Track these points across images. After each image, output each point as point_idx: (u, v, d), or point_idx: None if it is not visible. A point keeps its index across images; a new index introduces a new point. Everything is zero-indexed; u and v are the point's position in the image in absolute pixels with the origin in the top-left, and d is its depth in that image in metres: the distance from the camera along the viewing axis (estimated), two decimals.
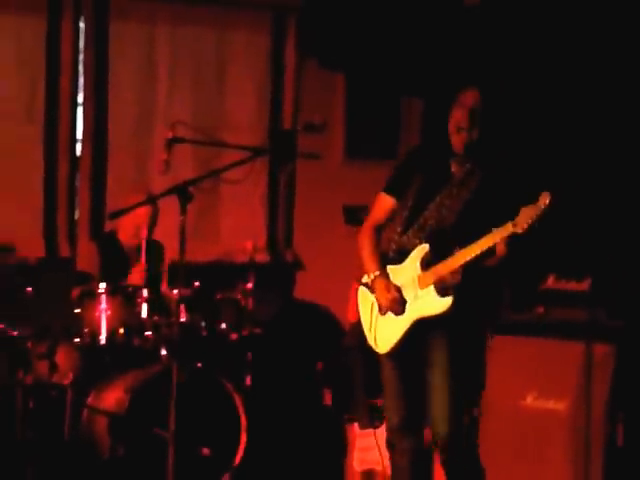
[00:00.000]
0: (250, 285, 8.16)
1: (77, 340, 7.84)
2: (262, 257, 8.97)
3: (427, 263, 6.13)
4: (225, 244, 9.20)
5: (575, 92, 8.58)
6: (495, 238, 5.90)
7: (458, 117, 6.07)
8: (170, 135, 7.47)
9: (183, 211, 6.49)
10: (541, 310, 7.70)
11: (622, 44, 8.31)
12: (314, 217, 9.42)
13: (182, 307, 7.38)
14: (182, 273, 6.82)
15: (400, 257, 6.23)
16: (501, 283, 6.36)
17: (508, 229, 5.83)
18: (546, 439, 7.44)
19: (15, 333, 8.06)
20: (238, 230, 9.28)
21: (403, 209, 6.32)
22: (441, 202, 6.19)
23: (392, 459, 6.53)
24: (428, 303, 6.14)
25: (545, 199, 5.79)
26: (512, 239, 5.85)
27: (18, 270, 8.52)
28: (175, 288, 7.44)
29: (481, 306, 6.24)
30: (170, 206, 6.76)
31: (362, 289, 6.40)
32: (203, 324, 7.95)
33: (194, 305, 7.84)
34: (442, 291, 6.09)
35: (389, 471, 6.77)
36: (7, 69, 9.11)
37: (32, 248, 8.97)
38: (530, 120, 8.56)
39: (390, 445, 6.55)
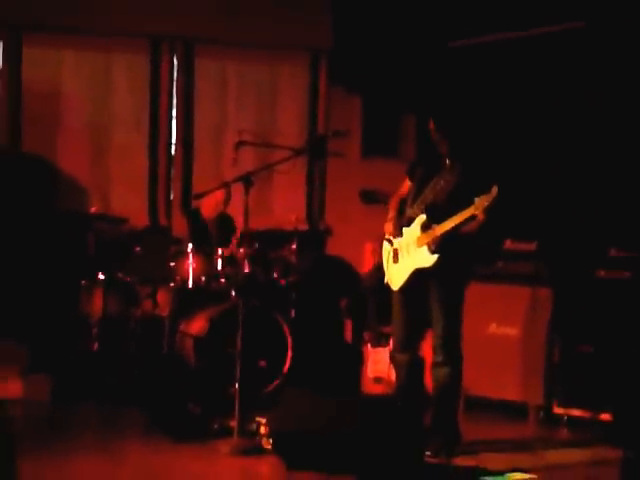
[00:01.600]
0: (294, 246, 8.11)
1: (172, 285, 7.83)
2: (302, 226, 8.92)
3: (424, 228, 6.17)
4: (276, 217, 9.15)
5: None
6: (467, 214, 5.99)
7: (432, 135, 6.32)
8: (238, 139, 7.43)
9: (246, 193, 6.46)
10: (501, 264, 7.65)
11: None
12: (340, 197, 9.38)
13: (246, 262, 7.35)
14: (246, 238, 6.79)
15: (409, 223, 6.30)
16: (477, 244, 6.32)
17: (471, 210, 5.95)
18: (504, 357, 7.39)
19: (128, 279, 8.06)
20: (285, 207, 9.24)
21: (413, 189, 6.40)
22: (435, 184, 6.25)
23: (394, 368, 6.53)
24: (422, 258, 6.20)
25: (494, 190, 5.90)
26: (489, 212, 5.94)
27: (130, 235, 8.49)
28: (241, 248, 7.41)
29: (461, 260, 6.23)
30: (238, 190, 6.72)
31: (385, 243, 6.48)
32: (261, 274, 7.91)
33: (254, 260, 7.80)
34: (432, 249, 6.14)
35: (393, 377, 6.79)
36: (121, 93, 9.07)
37: (140, 219, 8.95)
38: (492, 128, 8.48)
39: (392, 358, 6.56)
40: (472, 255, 6.39)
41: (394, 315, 6.44)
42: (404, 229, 6.33)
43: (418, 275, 6.24)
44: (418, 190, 6.35)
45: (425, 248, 6.17)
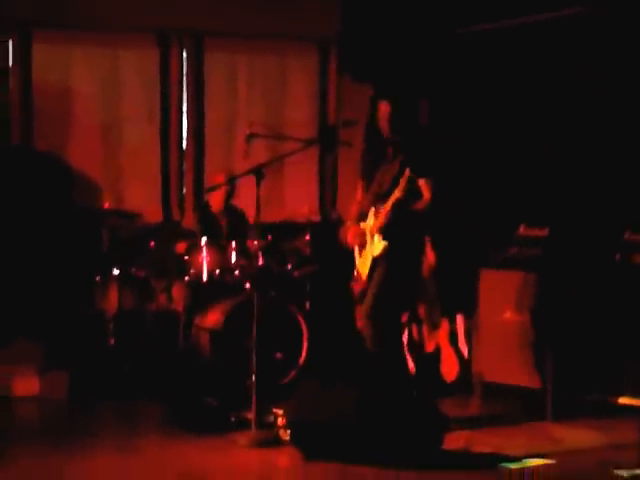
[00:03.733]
0: (307, 237, 8.13)
1: (186, 278, 7.85)
2: (315, 217, 8.92)
3: (375, 217, 6.60)
4: (288, 209, 9.16)
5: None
6: (397, 194, 6.37)
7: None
8: (248, 132, 7.45)
9: (258, 185, 6.47)
10: (514, 250, 7.62)
11: None
12: (352, 187, 9.33)
13: (260, 254, 7.36)
14: (259, 230, 6.80)
15: (364, 217, 6.71)
16: (429, 221, 6.65)
17: (396, 193, 6.38)
18: (519, 343, 7.37)
19: (143, 274, 8.08)
20: (297, 198, 9.23)
21: (364, 184, 6.80)
22: (381, 175, 6.60)
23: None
24: (376, 245, 6.57)
25: (407, 171, 6.30)
26: (434, 190, 6.44)
27: (144, 230, 8.52)
28: (254, 240, 7.43)
29: (412, 241, 6.42)
30: (249, 183, 6.73)
31: (355, 249, 6.88)
32: (275, 266, 7.92)
33: (268, 252, 7.81)
34: (383, 235, 6.51)
35: (411, 366, 7.01)
36: (132, 88, 9.07)
37: (153, 215, 8.96)
38: (501, 114, 8.47)
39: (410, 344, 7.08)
40: (421, 236, 6.73)
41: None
42: (363, 224, 6.67)
43: (376, 264, 6.59)
44: (368, 183, 6.67)
45: (377, 236, 6.51)
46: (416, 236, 6.60)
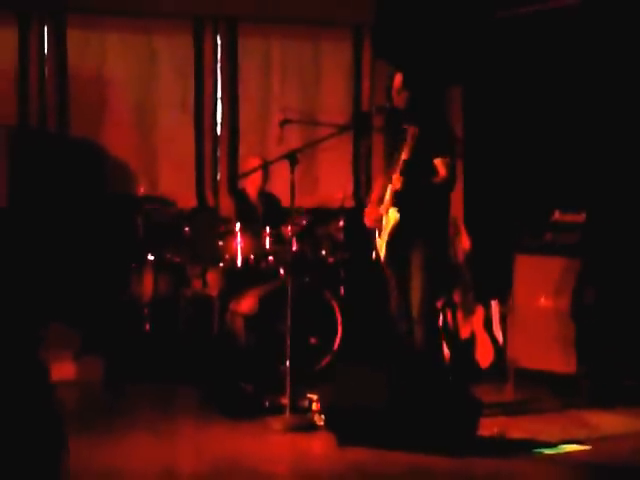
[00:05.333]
0: (341, 223, 8.13)
1: (221, 264, 7.87)
2: (349, 203, 8.92)
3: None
4: (322, 194, 9.16)
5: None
6: (403, 155, 6.37)
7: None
8: (282, 117, 7.44)
9: (292, 171, 6.47)
10: (549, 235, 7.59)
11: None
12: None
13: (294, 240, 7.36)
14: (293, 215, 6.81)
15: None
16: (448, 197, 6.59)
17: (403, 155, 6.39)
18: (554, 329, 7.35)
19: (177, 260, 8.12)
20: (331, 184, 9.22)
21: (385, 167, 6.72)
22: (399, 156, 6.46)
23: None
24: (390, 217, 6.49)
25: (413, 131, 6.31)
26: (451, 165, 6.40)
27: (178, 216, 8.55)
28: (289, 226, 7.44)
29: (432, 216, 6.40)
30: (283, 168, 6.73)
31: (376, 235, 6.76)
32: (309, 251, 7.93)
33: (302, 238, 7.83)
34: (395, 204, 6.46)
35: (446, 350, 7.02)
36: (166, 74, 9.10)
37: (188, 201, 8.99)
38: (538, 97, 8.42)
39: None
40: (441, 214, 6.61)
41: (390, 289, 6.66)
42: (381, 206, 6.61)
43: (394, 238, 6.48)
44: (389, 166, 6.57)
45: (391, 210, 6.48)
46: (434, 212, 6.50)
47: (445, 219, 6.62)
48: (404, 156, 6.35)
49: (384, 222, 6.54)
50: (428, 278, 6.44)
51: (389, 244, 6.52)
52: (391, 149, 6.62)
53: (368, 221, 6.70)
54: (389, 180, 6.48)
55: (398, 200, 6.42)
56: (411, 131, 6.31)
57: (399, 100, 6.56)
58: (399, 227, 6.44)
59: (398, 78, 6.57)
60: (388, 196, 6.48)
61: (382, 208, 6.56)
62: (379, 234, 6.62)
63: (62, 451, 4.30)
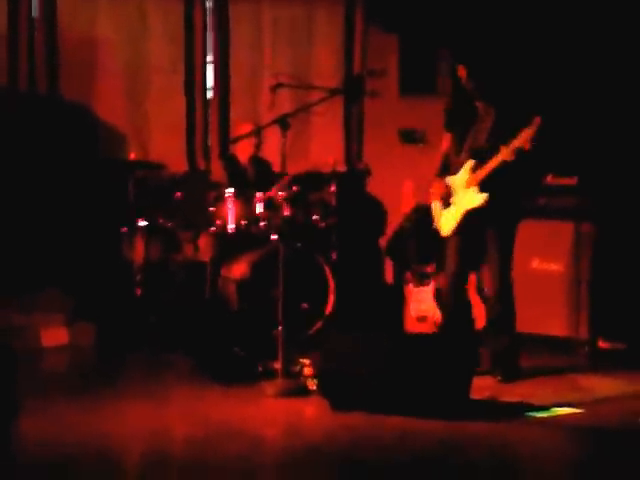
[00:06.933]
0: (333, 188, 8.10)
1: (212, 229, 7.84)
2: (341, 168, 8.88)
3: (472, 171, 6.47)
4: (314, 159, 9.11)
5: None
6: (513, 146, 6.27)
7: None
8: (274, 82, 7.40)
9: (284, 136, 6.44)
10: (543, 200, 7.58)
11: None
12: (377, 138, 9.31)
13: (285, 205, 7.33)
14: (285, 181, 6.78)
15: (457, 171, 6.56)
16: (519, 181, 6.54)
17: (516, 143, 6.24)
18: (547, 293, 7.36)
19: (169, 225, 8.08)
20: (323, 149, 9.18)
21: (455, 139, 6.63)
22: (475, 132, 6.51)
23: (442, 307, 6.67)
24: (472, 198, 6.46)
25: (537, 120, 6.19)
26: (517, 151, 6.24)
27: (170, 180, 8.50)
28: (280, 191, 7.40)
29: (510, 196, 6.42)
30: (274, 133, 6.69)
31: (433, 198, 6.72)
32: (301, 216, 7.90)
33: (294, 203, 7.79)
34: (481, 189, 6.39)
35: (438, 316, 6.94)
36: (157, 37, 9.03)
37: (179, 165, 8.94)
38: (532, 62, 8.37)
39: (439, 297, 6.99)
40: (519, 191, 6.58)
41: (447, 259, 6.64)
42: (453, 177, 6.56)
43: (470, 217, 6.46)
44: (460, 140, 6.56)
45: (473, 189, 6.41)
46: (516, 193, 6.54)
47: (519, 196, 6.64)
48: (517, 143, 6.24)
49: (454, 196, 6.54)
50: (507, 256, 6.49)
51: (466, 219, 6.49)
52: (460, 122, 6.57)
53: (434, 196, 6.65)
54: (467, 156, 6.44)
55: (487, 182, 6.37)
56: (536, 121, 6.19)
57: (468, 87, 6.53)
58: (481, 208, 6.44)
59: (462, 71, 6.51)
60: (466, 175, 6.45)
61: (452, 179, 6.54)
62: (442, 206, 6.60)
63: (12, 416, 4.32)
